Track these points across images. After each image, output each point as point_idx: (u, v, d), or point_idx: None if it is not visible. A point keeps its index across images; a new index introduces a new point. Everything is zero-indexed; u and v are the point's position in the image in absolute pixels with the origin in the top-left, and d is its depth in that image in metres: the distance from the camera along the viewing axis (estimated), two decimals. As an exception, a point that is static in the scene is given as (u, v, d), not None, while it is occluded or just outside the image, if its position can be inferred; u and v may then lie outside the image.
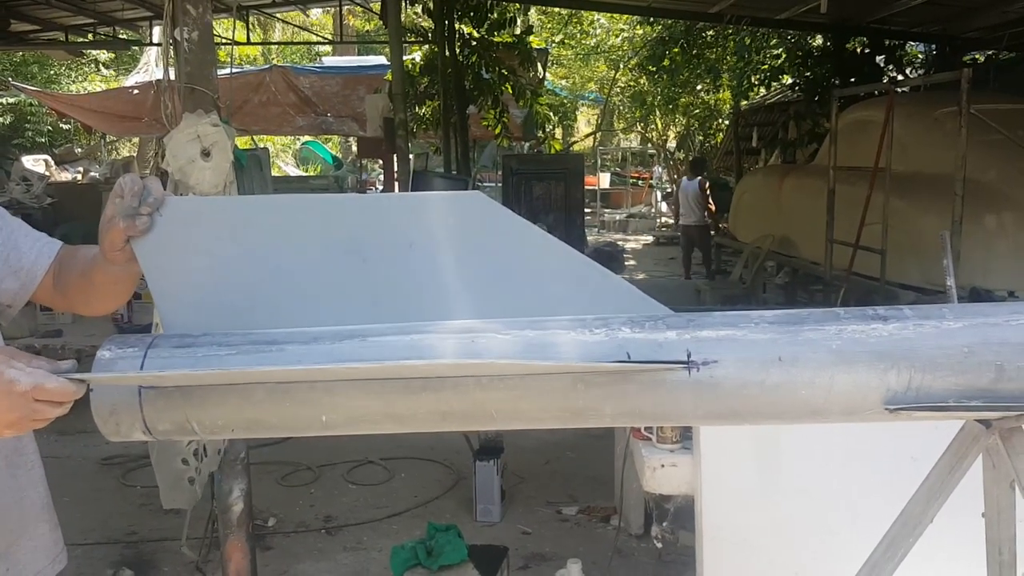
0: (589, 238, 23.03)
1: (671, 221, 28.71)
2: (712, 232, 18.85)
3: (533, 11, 27.82)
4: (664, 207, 31.22)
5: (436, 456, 8.19)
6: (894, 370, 1.74)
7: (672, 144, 37.83)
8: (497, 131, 18.62)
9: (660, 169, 35.05)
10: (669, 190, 32.34)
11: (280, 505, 7.26)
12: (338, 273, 1.88)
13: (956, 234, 8.24)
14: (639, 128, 38.96)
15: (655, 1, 17.47)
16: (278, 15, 25.70)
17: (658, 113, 34.33)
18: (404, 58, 15.76)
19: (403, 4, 16.70)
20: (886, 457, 3.60)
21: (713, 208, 18.47)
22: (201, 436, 1.87)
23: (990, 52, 17.81)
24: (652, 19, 25.11)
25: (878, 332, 1.77)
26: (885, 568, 2.15)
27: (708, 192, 18.42)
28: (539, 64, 20.60)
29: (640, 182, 35.77)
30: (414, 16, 20.41)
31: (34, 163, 24.93)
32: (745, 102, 26.40)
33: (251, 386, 1.77)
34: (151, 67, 27.01)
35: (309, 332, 1.82)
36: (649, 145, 37.98)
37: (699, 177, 18.70)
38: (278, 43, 35.63)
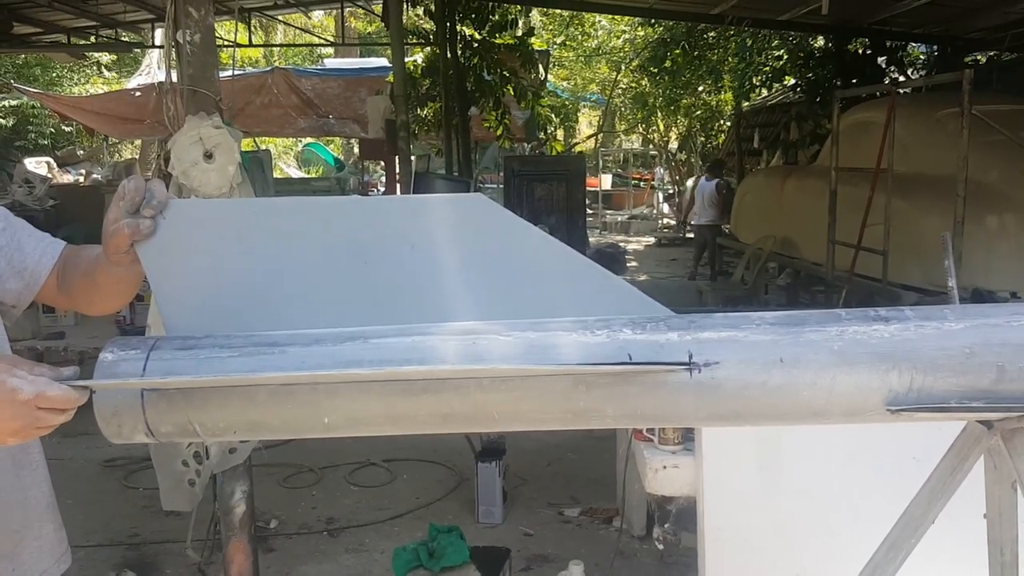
0: (591, 239, 23.05)
1: (673, 222, 28.79)
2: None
3: (535, 13, 27.84)
4: (666, 208, 31.26)
5: (438, 458, 8.20)
6: (896, 371, 1.74)
7: (674, 145, 37.81)
8: (499, 133, 18.67)
9: (662, 170, 35.06)
10: (671, 191, 32.39)
11: (282, 507, 7.26)
12: (340, 275, 1.89)
13: (958, 235, 8.25)
14: (641, 129, 38.94)
15: (656, 2, 17.49)
16: (280, 17, 25.75)
17: (660, 114, 34.27)
18: (406, 60, 15.80)
19: (405, 6, 16.74)
20: (888, 458, 3.60)
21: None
22: (203, 438, 1.88)
23: (992, 53, 17.80)
24: (653, 20, 25.09)
25: (879, 333, 1.77)
26: (887, 569, 2.15)
27: (723, 195, 18.63)
28: (540, 66, 20.65)
29: (642, 183, 35.80)
30: (415, 18, 20.44)
31: (36, 165, 24.98)
32: (747, 103, 26.42)
33: (253, 388, 1.78)
34: (153, 69, 27.07)
35: (311, 334, 1.82)
36: (651, 146, 37.98)
37: (716, 180, 18.92)
38: (280, 45, 35.68)
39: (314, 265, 1.89)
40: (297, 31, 31.83)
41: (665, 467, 4.21)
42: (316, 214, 1.94)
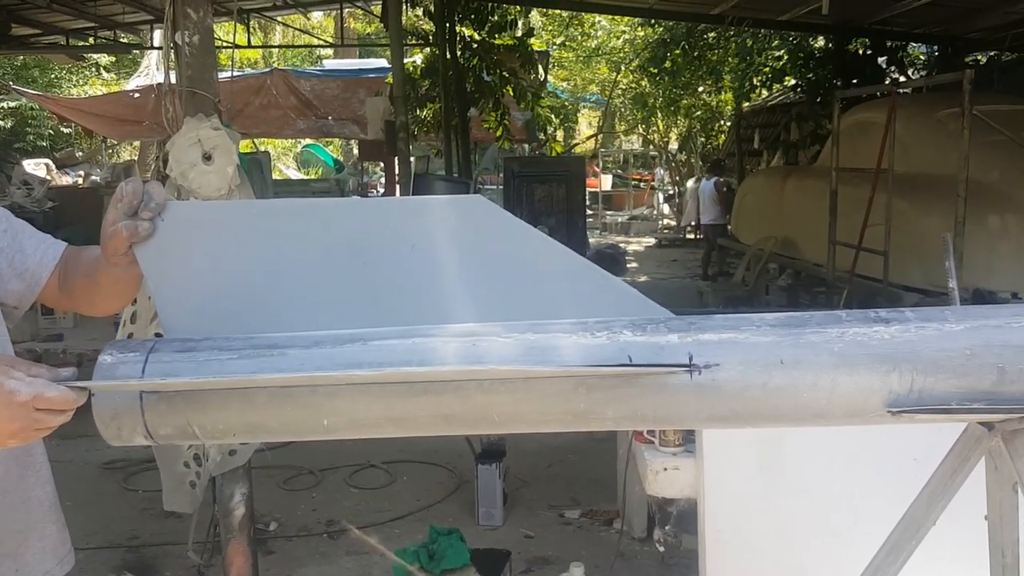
0: (591, 240, 23.04)
1: (673, 223, 28.82)
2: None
3: (534, 13, 27.82)
4: (666, 209, 31.28)
5: (438, 460, 8.19)
6: (896, 373, 1.74)
7: (674, 146, 37.82)
8: (498, 133, 18.68)
9: (662, 171, 35.07)
10: (671, 192, 32.41)
11: (282, 509, 7.26)
12: (339, 276, 1.89)
13: (959, 235, 8.24)
14: (641, 130, 38.94)
15: (656, 3, 17.49)
16: (279, 18, 25.77)
17: (659, 115, 34.27)
18: (405, 61, 15.81)
19: (404, 7, 16.74)
20: (889, 459, 3.60)
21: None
22: (203, 440, 1.87)
23: (992, 53, 17.82)
24: (653, 21, 25.08)
25: (880, 335, 1.76)
26: (888, 571, 2.15)
27: (723, 193, 18.76)
28: (540, 66, 20.66)
29: (642, 184, 35.80)
30: (415, 19, 20.45)
31: (35, 167, 24.97)
32: (747, 104, 26.42)
33: (253, 390, 1.78)
34: (152, 71, 27.09)
35: (310, 336, 1.82)
36: (651, 147, 37.98)
37: (716, 178, 19.10)
38: (279, 46, 35.70)
39: (313, 267, 1.89)
40: (296, 32, 31.85)
41: (666, 469, 4.21)
42: (315, 215, 1.94)
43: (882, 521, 2.30)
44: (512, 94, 18.54)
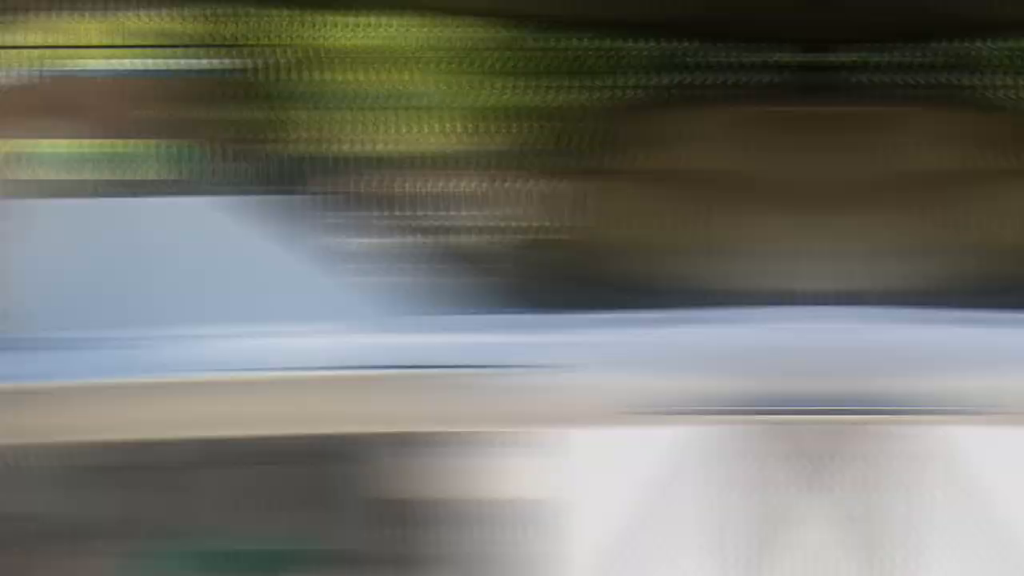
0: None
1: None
2: None
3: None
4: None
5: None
6: (678, 373, 1.76)
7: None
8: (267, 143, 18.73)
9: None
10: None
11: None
12: (120, 275, 1.87)
13: (772, 238, 8.45)
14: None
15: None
16: (56, 17, 25.35)
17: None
18: (185, 61, 15.72)
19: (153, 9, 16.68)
20: (693, 460, 3.66)
21: None
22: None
23: (861, 52, 18.32)
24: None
25: (668, 336, 1.79)
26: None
27: None
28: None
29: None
30: (184, 19, 20.36)
31: None
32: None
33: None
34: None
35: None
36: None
37: None
38: (51, 47, 35.10)
39: (119, 264, 1.88)
40: (73, 32, 31.36)
41: (502, 471, 4.22)
42: (113, 215, 1.94)
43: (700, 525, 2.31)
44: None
